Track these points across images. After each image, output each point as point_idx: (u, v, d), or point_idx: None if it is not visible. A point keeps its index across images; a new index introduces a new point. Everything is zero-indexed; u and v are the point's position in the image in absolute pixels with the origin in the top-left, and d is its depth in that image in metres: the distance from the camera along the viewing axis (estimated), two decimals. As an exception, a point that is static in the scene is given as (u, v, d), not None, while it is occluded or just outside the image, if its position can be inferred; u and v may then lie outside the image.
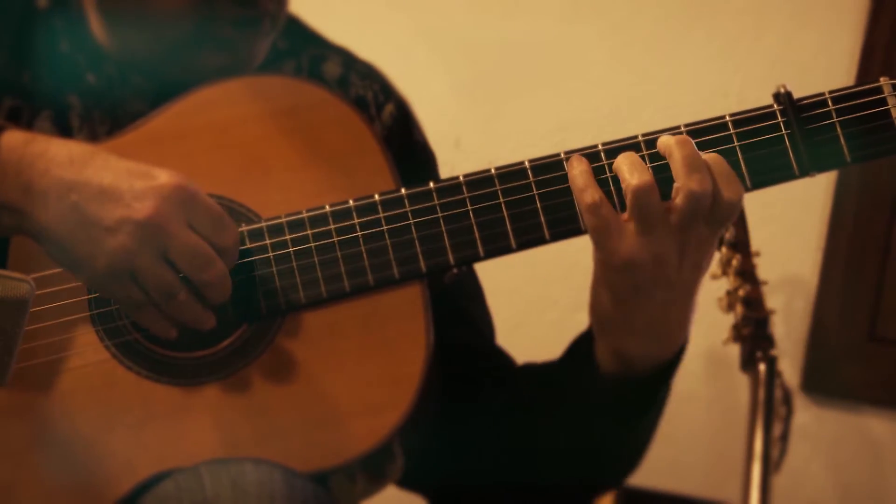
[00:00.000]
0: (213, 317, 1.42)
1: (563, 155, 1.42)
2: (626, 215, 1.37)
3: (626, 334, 1.42)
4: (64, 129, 1.54)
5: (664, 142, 1.39)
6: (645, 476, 2.67)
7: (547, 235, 1.43)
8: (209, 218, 1.40)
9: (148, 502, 1.42)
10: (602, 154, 1.41)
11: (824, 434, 2.77)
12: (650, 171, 1.37)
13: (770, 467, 2.37)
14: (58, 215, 1.38)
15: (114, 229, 1.37)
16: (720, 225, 1.38)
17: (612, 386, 1.45)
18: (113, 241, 1.37)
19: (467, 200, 1.43)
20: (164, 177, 1.38)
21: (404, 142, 1.61)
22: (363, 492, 1.51)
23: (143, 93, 1.55)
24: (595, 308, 1.43)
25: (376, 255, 1.43)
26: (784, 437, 2.51)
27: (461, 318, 1.60)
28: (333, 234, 1.44)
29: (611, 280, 1.39)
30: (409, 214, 1.43)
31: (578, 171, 1.39)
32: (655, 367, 1.44)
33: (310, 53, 1.62)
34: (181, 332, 1.44)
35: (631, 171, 1.37)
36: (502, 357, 1.61)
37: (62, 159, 1.39)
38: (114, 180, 1.38)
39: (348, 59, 1.63)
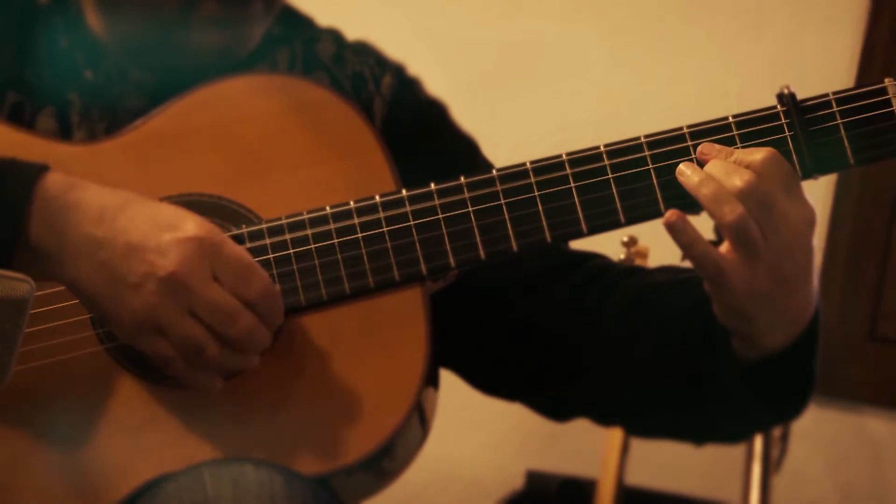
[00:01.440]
0: (256, 358, 1.41)
1: (564, 157, 1.42)
2: (725, 248, 1.37)
3: (762, 334, 1.42)
4: (65, 126, 1.54)
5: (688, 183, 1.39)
6: (645, 476, 2.68)
7: (548, 238, 1.42)
8: (234, 269, 1.38)
9: (148, 503, 1.42)
10: (604, 155, 1.41)
11: (824, 434, 2.77)
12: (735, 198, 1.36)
13: (770, 467, 2.37)
14: (87, 272, 1.38)
15: (138, 286, 1.37)
16: (788, 190, 1.38)
17: (757, 370, 1.45)
18: (138, 298, 1.37)
19: (468, 202, 1.43)
20: (190, 228, 1.37)
21: (411, 105, 1.61)
22: (364, 491, 1.51)
23: (143, 87, 1.55)
24: (725, 323, 1.43)
25: (377, 258, 1.43)
26: (784, 437, 2.51)
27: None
28: (334, 235, 1.43)
29: (736, 307, 1.40)
30: (410, 216, 1.43)
31: (684, 226, 1.38)
32: (789, 342, 1.44)
33: (302, 38, 1.62)
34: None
35: (719, 204, 1.36)
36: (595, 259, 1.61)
37: (94, 214, 1.38)
38: (141, 236, 1.38)
39: (339, 38, 1.64)
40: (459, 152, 1.63)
